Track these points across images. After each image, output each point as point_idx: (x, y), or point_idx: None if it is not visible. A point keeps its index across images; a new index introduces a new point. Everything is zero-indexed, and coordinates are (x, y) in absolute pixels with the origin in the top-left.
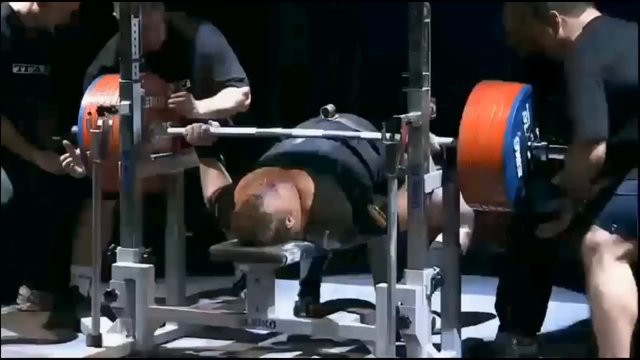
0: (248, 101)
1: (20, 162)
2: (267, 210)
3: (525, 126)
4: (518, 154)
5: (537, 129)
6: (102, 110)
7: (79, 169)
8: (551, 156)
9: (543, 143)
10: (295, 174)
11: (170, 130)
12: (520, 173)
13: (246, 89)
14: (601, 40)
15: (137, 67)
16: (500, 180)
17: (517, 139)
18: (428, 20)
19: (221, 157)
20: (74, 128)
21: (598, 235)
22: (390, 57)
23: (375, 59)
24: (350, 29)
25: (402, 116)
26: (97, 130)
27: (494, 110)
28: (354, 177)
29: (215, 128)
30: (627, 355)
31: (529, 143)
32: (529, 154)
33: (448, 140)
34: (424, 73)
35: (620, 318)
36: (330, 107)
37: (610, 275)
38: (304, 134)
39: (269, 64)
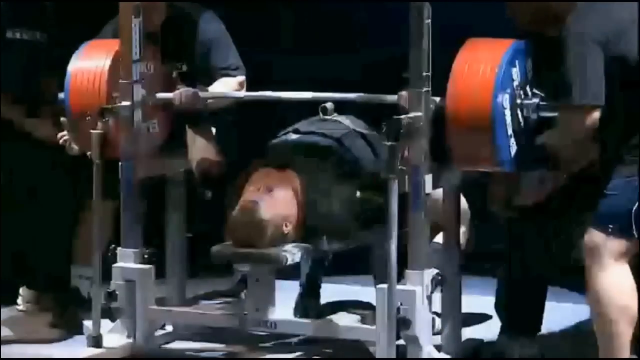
0: (243, 91)
1: (20, 161)
2: (263, 216)
3: (515, 83)
4: (508, 112)
5: (527, 87)
6: (102, 111)
7: (76, 147)
8: (542, 114)
9: (534, 100)
10: (292, 177)
11: (160, 95)
12: (510, 131)
13: (242, 78)
14: (606, 5)
15: (138, 68)
16: (489, 137)
17: (506, 96)
18: (429, 20)
19: (212, 129)
20: (61, 95)
21: (595, 236)
22: (390, 57)
23: (376, 58)
24: (350, 28)
25: (402, 117)
26: (98, 131)
27: (482, 66)
28: (352, 172)
29: (203, 92)
30: (624, 355)
31: (519, 101)
32: (519, 112)
33: (436, 99)
34: (424, 73)
35: (620, 319)
36: (329, 105)
37: (610, 276)
38: (293, 97)
39: (269, 62)
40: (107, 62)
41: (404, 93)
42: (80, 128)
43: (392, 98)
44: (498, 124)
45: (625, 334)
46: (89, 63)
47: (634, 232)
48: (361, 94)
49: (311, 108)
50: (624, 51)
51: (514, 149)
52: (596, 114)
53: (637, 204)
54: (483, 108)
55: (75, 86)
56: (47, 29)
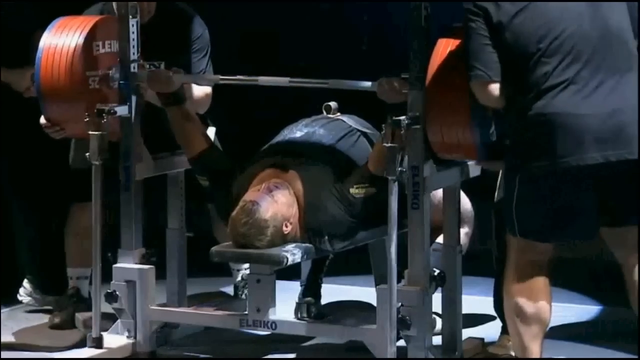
0: (208, 102)
1: (17, 161)
2: (263, 216)
3: None
4: None
5: None
6: (100, 112)
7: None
8: None
9: None
10: (293, 177)
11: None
12: (487, 117)
13: (209, 89)
14: None
15: (136, 69)
16: (468, 125)
17: None
18: (428, 21)
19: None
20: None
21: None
22: (390, 57)
23: (376, 58)
24: (351, 28)
25: (402, 118)
26: (97, 132)
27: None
28: (352, 169)
29: (179, 75)
30: (526, 355)
31: None
32: None
33: None
34: (424, 74)
35: (514, 319)
36: (332, 104)
37: (510, 276)
38: (270, 82)
39: (270, 63)
40: (81, 40)
41: (383, 80)
42: (57, 110)
43: (366, 84)
44: (477, 113)
45: (522, 333)
46: (62, 39)
47: (516, 231)
48: (336, 80)
49: (314, 107)
50: (516, 33)
51: (491, 135)
52: (492, 87)
53: (514, 201)
54: (462, 95)
55: (47, 64)
56: None
